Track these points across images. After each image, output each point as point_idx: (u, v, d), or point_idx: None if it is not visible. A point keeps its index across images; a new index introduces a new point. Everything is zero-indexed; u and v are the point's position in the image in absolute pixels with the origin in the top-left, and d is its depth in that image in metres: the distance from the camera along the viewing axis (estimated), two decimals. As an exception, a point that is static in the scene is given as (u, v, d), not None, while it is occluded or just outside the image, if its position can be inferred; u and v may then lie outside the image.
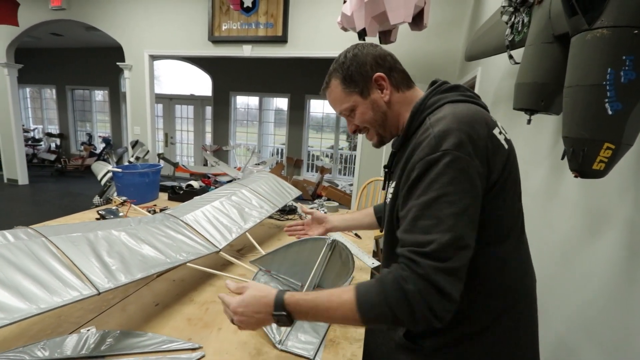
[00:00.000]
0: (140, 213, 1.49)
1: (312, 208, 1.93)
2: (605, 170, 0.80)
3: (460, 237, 0.54)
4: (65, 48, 7.48)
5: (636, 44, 0.70)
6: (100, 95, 7.99)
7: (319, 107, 7.07)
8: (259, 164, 5.50)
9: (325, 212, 1.87)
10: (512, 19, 1.27)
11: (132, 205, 1.39)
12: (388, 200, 0.75)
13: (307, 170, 7.23)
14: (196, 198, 1.36)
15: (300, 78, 6.73)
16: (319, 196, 5.47)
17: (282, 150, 7.34)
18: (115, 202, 1.41)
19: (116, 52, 4.51)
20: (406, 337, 0.72)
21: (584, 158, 0.80)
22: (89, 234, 0.81)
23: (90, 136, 7.96)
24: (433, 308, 0.51)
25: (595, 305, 0.94)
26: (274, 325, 0.81)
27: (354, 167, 3.88)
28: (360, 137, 3.70)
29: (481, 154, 0.58)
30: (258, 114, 7.33)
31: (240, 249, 1.35)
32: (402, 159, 0.66)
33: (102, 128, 8.17)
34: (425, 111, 0.67)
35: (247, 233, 1.23)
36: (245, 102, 7.46)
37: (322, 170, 6.02)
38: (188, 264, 0.95)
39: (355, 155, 3.99)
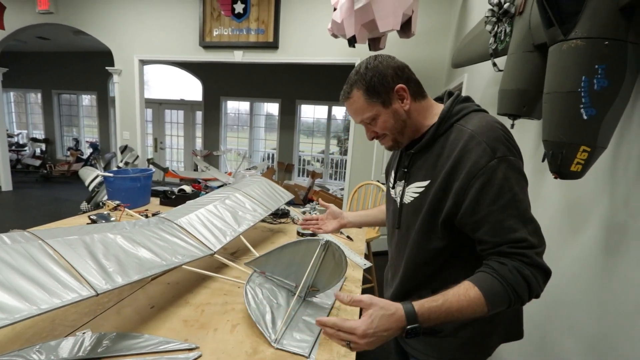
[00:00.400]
0: (134, 217, 1.49)
1: (303, 212, 1.96)
2: (582, 172, 0.85)
3: (537, 224, 0.66)
4: (52, 52, 7.37)
5: (607, 54, 0.76)
6: (87, 99, 7.88)
7: (310, 112, 7.12)
8: (250, 169, 5.50)
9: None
10: (495, 29, 1.33)
11: (126, 209, 1.39)
12: (409, 199, 0.79)
13: (298, 175, 7.25)
14: (190, 202, 1.37)
15: (291, 83, 6.78)
16: (311, 200, 5.49)
17: (273, 155, 7.35)
18: (108, 206, 1.40)
19: (105, 56, 4.48)
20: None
21: (563, 160, 0.85)
22: (85, 237, 0.82)
23: (77, 141, 7.83)
24: (542, 282, 0.64)
25: (574, 300, 0.99)
26: (269, 324, 0.83)
27: (344, 172, 3.92)
28: (351, 142, 3.75)
29: (519, 154, 0.70)
30: (249, 119, 7.34)
31: (235, 251, 1.36)
32: (429, 158, 0.75)
33: (89, 133, 8.04)
34: (452, 118, 0.75)
35: (241, 236, 1.24)
36: (236, 107, 7.47)
37: (313, 174, 6.05)
38: (183, 266, 0.96)
39: (345, 160, 4.03)
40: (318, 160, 7.29)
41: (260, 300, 0.91)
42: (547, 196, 1.22)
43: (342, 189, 5.20)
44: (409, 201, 0.80)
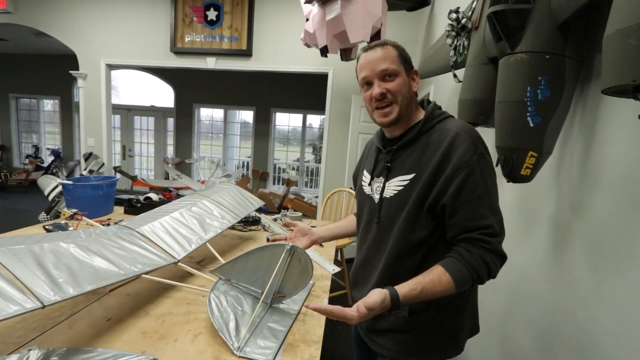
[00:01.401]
0: (94, 227, 1.42)
1: (274, 219, 1.94)
2: (531, 176, 0.91)
3: (502, 216, 0.76)
4: (11, 54, 6.96)
5: (548, 67, 0.82)
6: (50, 104, 7.46)
7: (285, 120, 7.13)
8: (224, 177, 5.40)
9: (288, 222, 1.89)
10: (455, 42, 1.41)
11: (84, 218, 1.32)
12: (391, 193, 0.83)
13: (274, 183, 7.20)
14: (155, 210, 1.33)
15: (266, 91, 6.78)
16: (285, 208, 5.45)
17: (247, 163, 7.27)
18: (64, 215, 1.33)
19: (69, 60, 4.28)
20: (410, 315, 0.81)
21: (513, 165, 0.90)
22: (34, 246, 0.77)
23: (37, 148, 7.36)
24: (499, 266, 0.75)
25: (529, 296, 1.05)
26: (233, 332, 0.81)
27: (320, 180, 3.94)
28: (325, 150, 3.78)
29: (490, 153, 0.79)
30: (223, 127, 7.23)
31: (201, 260, 1.33)
32: (413, 154, 0.81)
33: (51, 140, 7.60)
34: (434, 119, 0.83)
35: (207, 244, 1.22)
36: (209, 114, 7.34)
37: (288, 182, 6.03)
38: (145, 276, 0.92)
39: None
40: (293, 168, 7.28)
41: (225, 308, 0.89)
42: (502, 199, 1.29)
43: (317, 197, 5.22)
44: (392, 194, 0.83)
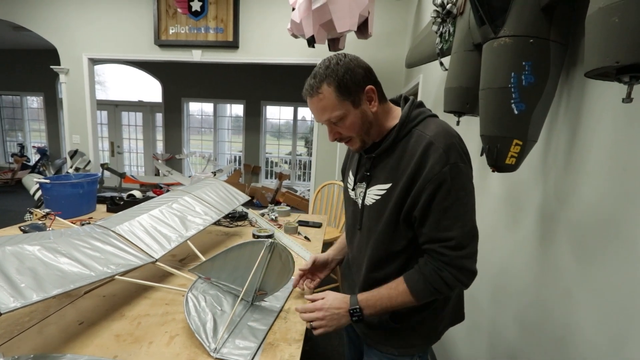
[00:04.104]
0: (67, 227, 1.37)
1: (262, 214, 1.91)
2: (516, 165, 0.88)
3: (471, 229, 0.72)
4: (-10, 49, 6.74)
5: (532, 51, 0.79)
6: (35, 101, 7.27)
7: (276, 114, 7.04)
8: (215, 172, 5.33)
9: (276, 217, 1.86)
10: (441, 29, 1.37)
11: (58, 218, 1.27)
12: (370, 201, 0.81)
13: (266, 177, 7.15)
14: (134, 207, 1.28)
15: (255, 84, 6.67)
16: (278, 202, 5.42)
17: (239, 157, 7.19)
18: (36, 215, 1.28)
19: (52, 55, 4.14)
20: (392, 319, 0.82)
21: (498, 154, 0.88)
22: (-6, 250, 0.73)
23: (22, 146, 7.19)
24: (462, 281, 0.72)
25: (517, 288, 1.03)
26: (210, 333, 0.78)
27: (311, 173, 3.90)
28: (315, 143, 3.74)
29: (469, 159, 0.75)
30: (213, 121, 7.12)
31: (183, 258, 1.29)
32: (390, 162, 0.78)
33: (36, 138, 7.42)
34: (411, 123, 0.78)
35: (188, 241, 1.18)
36: (199, 108, 7.22)
37: (281, 176, 5.98)
38: (118, 277, 0.89)
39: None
40: (285, 162, 7.23)
41: (203, 308, 0.86)
42: (489, 189, 1.27)
43: (309, 190, 5.19)
44: (371, 203, 0.82)
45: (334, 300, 0.81)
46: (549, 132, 0.92)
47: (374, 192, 0.81)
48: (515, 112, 0.83)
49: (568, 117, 0.85)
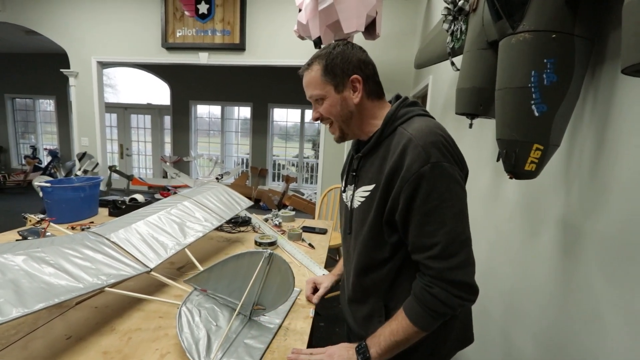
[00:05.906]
0: (62, 233, 1.33)
1: (266, 219, 1.86)
2: (537, 171, 0.81)
3: (461, 232, 0.64)
4: (4, 53, 6.88)
5: (555, 48, 0.72)
6: (47, 105, 7.39)
7: (283, 116, 7.02)
8: (222, 175, 5.32)
9: (280, 223, 1.81)
10: (452, 27, 1.30)
11: (51, 224, 1.24)
12: (357, 203, 0.77)
13: (273, 180, 7.12)
14: (131, 213, 1.24)
15: (262, 86, 6.67)
16: (285, 206, 5.37)
17: (246, 160, 7.18)
18: (30, 221, 1.25)
19: (62, 58, 4.18)
20: None
21: (516, 160, 0.80)
22: (-25, 261, 0.69)
23: (34, 149, 7.31)
24: (460, 296, 0.63)
25: (537, 305, 0.95)
26: (203, 352, 0.73)
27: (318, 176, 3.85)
28: (322, 145, 3.69)
29: (457, 160, 0.68)
30: (220, 123, 7.13)
31: (182, 266, 1.24)
32: (375, 162, 0.73)
33: (48, 140, 7.55)
34: (397, 121, 0.73)
35: (186, 250, 1.13)
36: (206, 111, 7.25)
37: (288, 179, 5.94)
38: (108, 289, 0.84)
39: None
40: (293, 165, 7.19)
41: (197, 323, 0.80)
42: (507, 197, 1.19)
43: (316, 193, 5.13)
44: (357, 205, 0.78)
45: (338, 349, 0.76)
46: (572, 136, 0.84)
47: (360, 194, 0.76)
48: (536, 113, 0.76)
49: (594, 119, 0.77)
